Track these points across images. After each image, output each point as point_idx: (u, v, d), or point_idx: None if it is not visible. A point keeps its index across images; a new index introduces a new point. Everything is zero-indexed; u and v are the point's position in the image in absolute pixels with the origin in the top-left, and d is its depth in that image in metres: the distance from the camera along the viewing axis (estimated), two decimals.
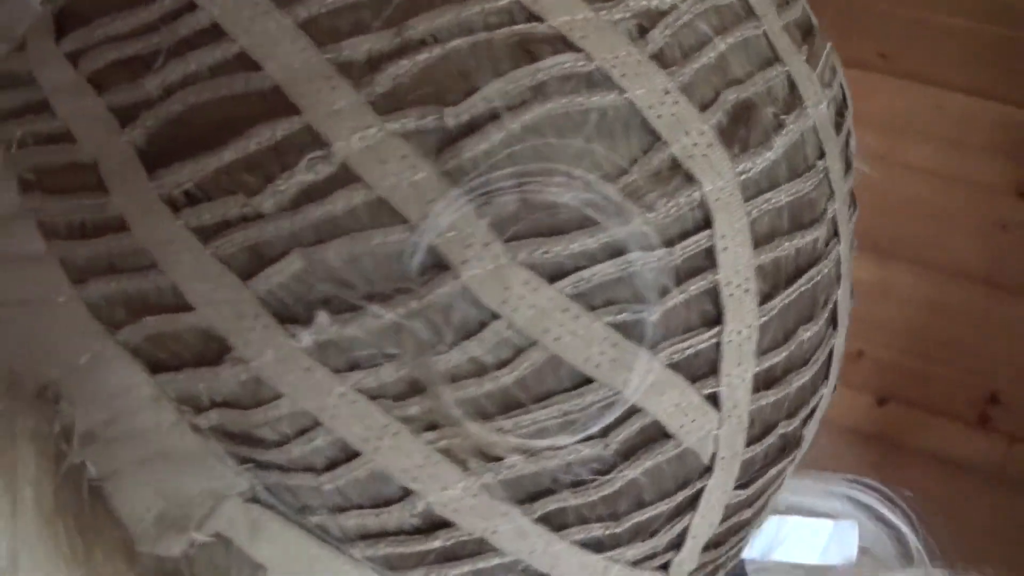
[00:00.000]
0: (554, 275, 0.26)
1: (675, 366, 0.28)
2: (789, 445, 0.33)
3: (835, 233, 0.32)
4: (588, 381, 0.27)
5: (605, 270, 0.26)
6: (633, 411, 0.28)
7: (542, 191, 0.26)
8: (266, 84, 0.26)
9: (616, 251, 0.26)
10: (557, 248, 0.26)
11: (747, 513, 0.33)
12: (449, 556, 0.28)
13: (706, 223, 0.28)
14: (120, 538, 0.30)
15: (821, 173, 0.30)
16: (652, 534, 0.30)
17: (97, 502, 0.29)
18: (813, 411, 0.33)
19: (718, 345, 0.28)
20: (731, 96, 0.28)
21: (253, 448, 0.28)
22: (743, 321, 0.29)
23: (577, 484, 0.28)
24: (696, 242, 0.27)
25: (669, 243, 0.27)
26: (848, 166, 0.33)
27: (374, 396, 0.27)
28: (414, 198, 0.25)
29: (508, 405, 0.27)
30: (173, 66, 0.27)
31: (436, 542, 0.28)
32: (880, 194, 1.42)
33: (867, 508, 0.48)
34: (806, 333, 0.31)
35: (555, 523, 0.28)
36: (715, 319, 0.28)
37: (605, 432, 0.28)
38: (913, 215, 1.46)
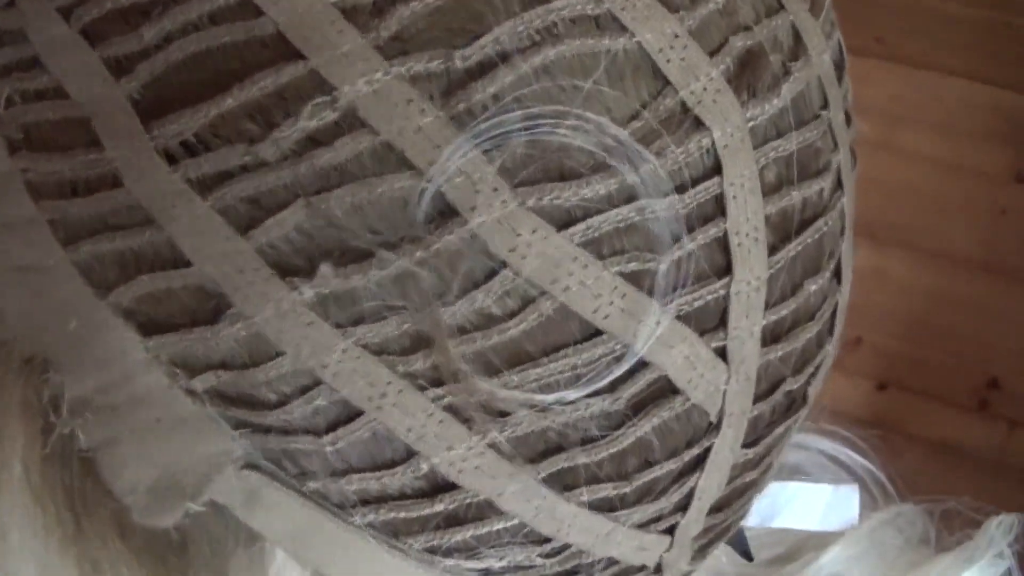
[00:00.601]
0: (564, 222, 0.26)
1: (684, 318, 0.27)
2: (795, 403, 0.32)
3: (839, 185, 0.31)
4: (597, 333, 0.26)
5: (616, 216, 0.26)
6: (642, 364, 0.27)
7: (553, 134, 0.25)
8: (268, 30, 0.25)
9: (628, 197, 0.26)
10: (567, 193, 0.25)
11: (753, 474, 0.32)
12: (452, 520, 0.28)
13: (716, 170, 0.27)
14: (111, 512, 0.29)
15: (825, 123, 0.30)
16: (659, 495, 0.29)
17: (87, 475, 0.29)
18: (818, 368, 0.33)
19: (727, 297, 0.28)
20: (739, 42, 0.27)
21: (251, 411, 0.27)
22: (752, 272, 0.28)
23: (586, 441, 0.27)
24: (706, 189, 0.27)
25: (681, 189, 0.27)
26: (849, 119, 0.32)
27: (378, 352, 0.26)
28: (421, 143, 0.25)
29: (515, 358, 0.26)
30: (173, 14, 0.26)
31: (440, 505, 0.27)
32: (878, 181, 1.42)
33: (832, 456, 0.48)
34: (812, 286, 0.30)
35: (562, 483, 0.28)
36: (724, 269, 0.28)
37: (614, 387, 0.27)
38: (911, 201, 1.46)
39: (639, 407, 0.28)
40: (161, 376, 0.27)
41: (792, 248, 0.29)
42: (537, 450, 0.27)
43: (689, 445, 0.29)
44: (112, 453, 0.28)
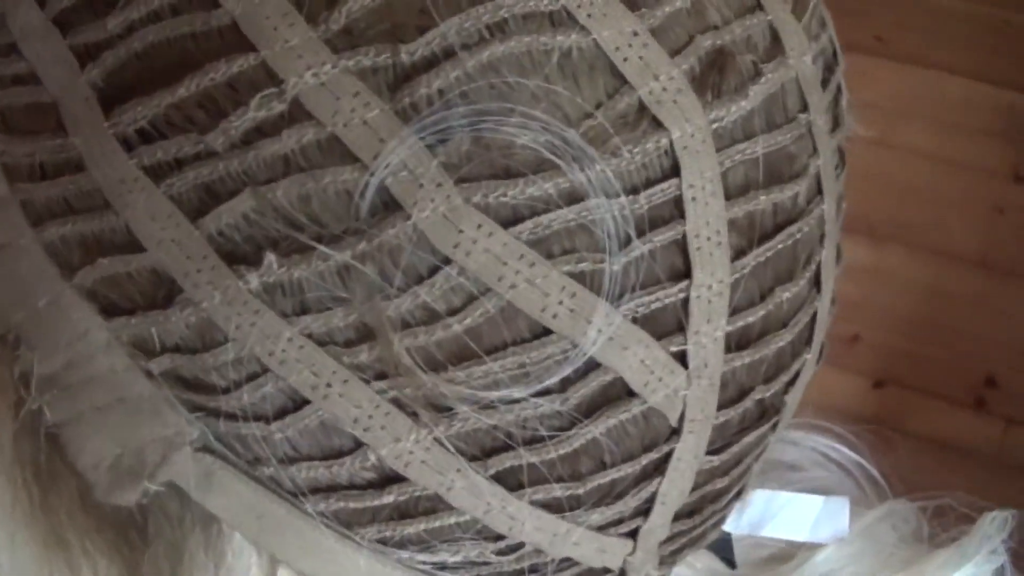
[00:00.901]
0: (509, 220, 0.25)
1: (640, 320, 0.27)
2: (768, 411, 0.32)
3: (819, 191, 0.30)
4: (546, 332, 0.26)
5: (564, 216, 0.26)
6: (594, 366, 0.27)
7: (497, 131, 0.25)
8: (224, 21, 0.26)
9: (575, 197, 0.26)
10: (513, 191, 0.25)
11: (723, 481, 0.32)
12: (403, 513, 0.28)
13: (674, 171, 0.27)
14: (77, 488, 0.30)
15: (803, 127, 0.29)
16: (617, 498, 0.29)
17: (54, 451, 0.29)
18: (795, 377, 0.32)
19: (686, 300, 0.28)
20: (706, 42, 0.27)
21: (204, 395, 0.27)
22: (713, 276, 0.28)
23: (534, 441, 0.27)
24: (662, 191, 0.27)
25: (633, 190, 0.26)
26: (837, 123, 0.32)
27: (323, 342, 0.26)
28: (366, 136, 0.25)
29: (460, 355, 0.26)
30: (137, 4, 0.26)
31: (389, 497, 0.28)
32: (877, 178, 1.42)
33: (824, 452, 0.48)
34: (785, 293, 0.30)
35: (512, 482, 0.28)
36: (683, 273, 0.27)
37: (563, 387, 0.27)
38: (910, 199, 1.46)
39: (592, 409, 0.28)
40: (122, 357, 0.28)
41: (760, 253, 0.29)
42: (485, 447, 0.27)
43: (647, 449, 0.29)
44: (76, 431, 0.29)
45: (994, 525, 0.42)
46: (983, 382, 1.42)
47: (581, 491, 0.28)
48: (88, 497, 0.29)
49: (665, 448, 0.29)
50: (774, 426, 0.33)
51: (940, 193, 1.46)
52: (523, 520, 0.28)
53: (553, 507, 0.29)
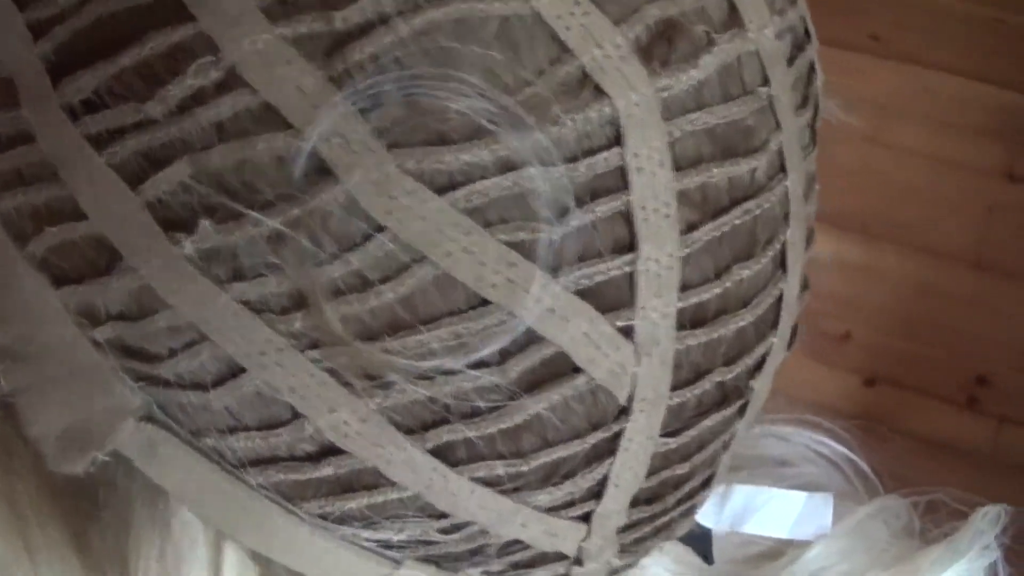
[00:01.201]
0: (445, 187, 0.25)
1: (583, 293, 0.27)
2: (730, 396, 0.31)
3: (781, 168, 0.30)
4: (483, 303, 0.26)
5: (500, 184, 0.25)
6: (534, 339, 0.27)
7: (431, 96, 0.25)
8: None
9: (511, 165, 0.25)
10: (448, 158, 0.25)
11: (684, 467, 0.31)
12: (345, 487, 0.28)
13: (618, 140, 0.26)
14: (32, 457, 0.30)
15: (764, 101, 0.29)
16: (566, 477, 0.29)
17: (8, 419, 0.30)
18: (761, 362, 0.32)
19: (633, 274, 0.27)
20: (654, 11, 0.26)
21: (146, 363, 0.28)
22: (662, 249, 0.27)
23: (472, 414, 0.27)
24: (605, 159, 0.26)
25: (572, 159, 0.26)
26: (805, 101, 0.31)
27: (258, 310, 0.26)
28: (300, 103, 0.25)
29: (394, 324, 0.26)
30: None
31: (328, 469, 0.27)
32: (870, 176, 1.42)
33: (815, 448, 0.48)
34: (744, 271, 0.29)
35: (452, 457, 0.28)
36: (629, 245, 0.27)
37: (503, 359, 0.27)
38: (904, 197, 1.47)
39: (534, 384, 0.27)
40: (71, 327, 0.28)
41: (714, 228, 0.28)
42: (423, 420, 0.27)
43: (595, 427, 0.28)
44: (27, 400, 0.29)
45: (986, 520, 0.42)
46: (975, 381, 1.42)
47: (525, 468, 0.28)
48: (42, 467, 0.29)
49: (615, 427, 0.29)
50: (740, 411, 0.32)
51: (934, 192, 1.46)
52: (465, 497, 0.28)
53: (497, 485, 0.28)
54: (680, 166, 0.27)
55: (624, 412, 0.29)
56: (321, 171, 0.25)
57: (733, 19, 0.28)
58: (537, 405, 0.27)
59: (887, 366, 1.45)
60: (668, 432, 0.30)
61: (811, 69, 0.32)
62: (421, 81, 0.25)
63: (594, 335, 0.27)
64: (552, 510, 0.29)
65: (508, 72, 0.25)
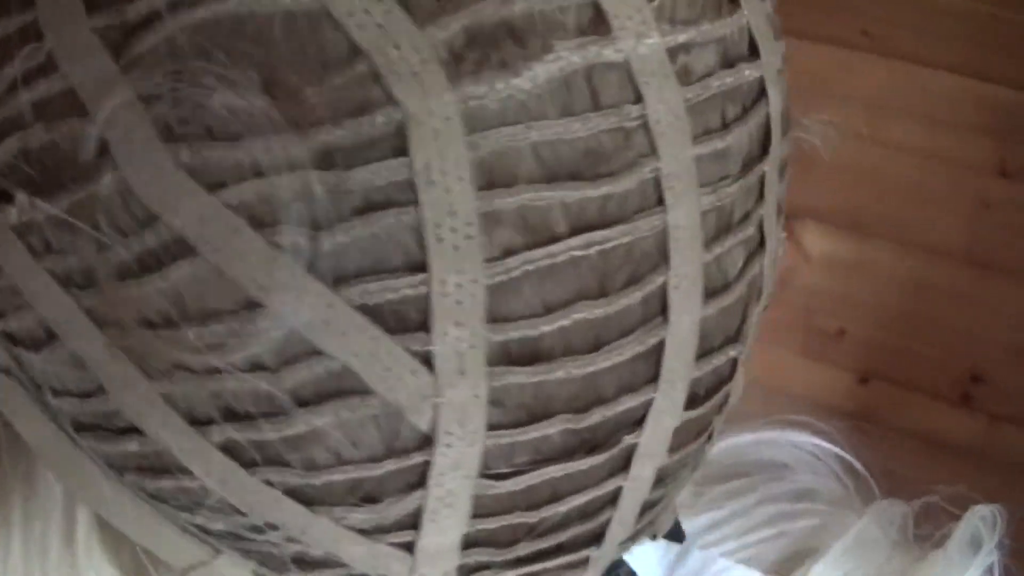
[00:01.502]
0: (215, 183, 0.25)
1: (368, 309, 0.25)
2: (582, 446, 0.28)
3: (659, 200, 0.27)
4: (249, 304, 0.25)
5: (271, 185, 0.25)
6: (313, 351, 0.26)
7: (200, 92, 0.25)
8: None
9: (277, 167, 0.25)
10: (217, 154, 0.25)
11: (530, 516, 0.29)
12: (155, 466, 0.28)
13: (403, 150, 0.25)
14: None
15: (632, 121, 0.26)
16: (368, 501, 0.28)
17: None
18: (640, 419, 0.29)
19: (428, 296, 0.25)
20: (480, 12, 0.25)
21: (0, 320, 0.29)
22: (461, 273, 0.25)
23: (247, 417, 0.27)
24: (388, 168, 0.25)
25: (348, 165, 0.25)
26: (709, 131, 0.28)
27: (64, 283, 0.28)
28: (95, 90, 0.26)
29: (166, 316, 0.26)
30: None
31: (133, 445, 0.28)
32: (862, 172, 1.42)
33: (807, 450, 0.48)
34: (594, 311, 0.27)
35: (245, 456, 0.27)
36: (421, 265, 0.25)
37: (277, 367, 0.26)
38: (895, 193, 1.46)
39: (319, 397, 0.26)
40: None
41: (538, 258, 0.26)
42: (207, 415, 0.27)
43: (394, 455, 0.27)
44: None
45: (979, 520, 0.42)
46: (969, 377, 1.42)
47: (317, 482, 0.27)
48: None
49: (417, 457, 0.27)
50: (623, 466, 0.29)
51: (926, 188, 1.46)
52: (264, 500, 0.28)
53: (297, 494, 0.28)
54: (493, 184, 0.25)
55: (429, 443, 0.27)
56: (104, 157, 0.26)
57: (596, 26, 0.26)
58: (319, 419, 0.26)
59: (880, 363, 1.45)
60: (492, 475, 0.28)
61: (760, 91, 0.29)
62: (193, 76, 0.25)
63: (382, 355, 0.26)
64: (366, 532, 0.28)
65: (290, 71, 0.25)
